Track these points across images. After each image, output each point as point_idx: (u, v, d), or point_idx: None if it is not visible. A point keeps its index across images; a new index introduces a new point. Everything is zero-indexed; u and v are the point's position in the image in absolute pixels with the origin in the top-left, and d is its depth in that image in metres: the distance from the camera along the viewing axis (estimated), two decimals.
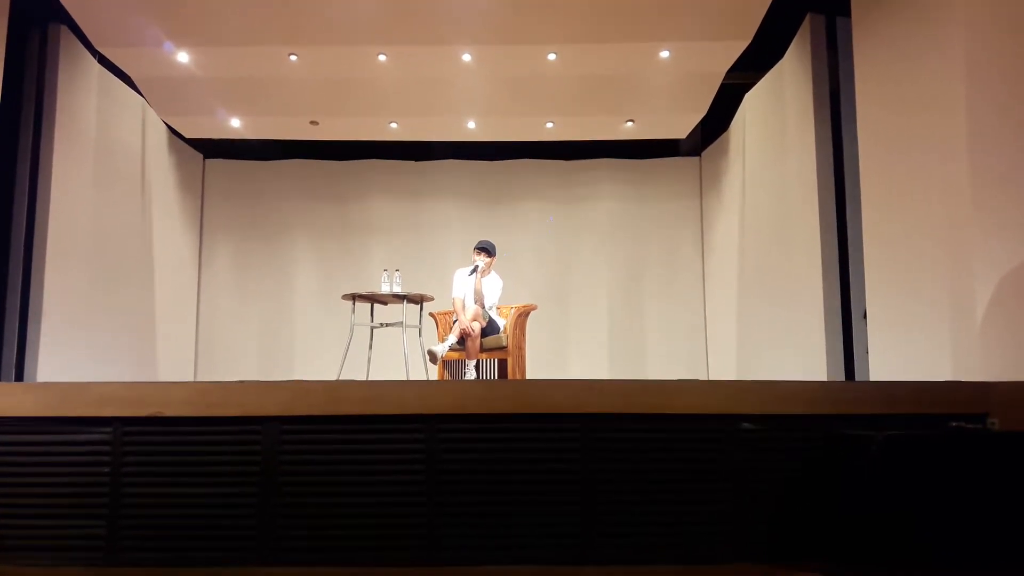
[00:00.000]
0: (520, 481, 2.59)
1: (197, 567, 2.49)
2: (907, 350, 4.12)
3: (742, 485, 2.59)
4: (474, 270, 5.91)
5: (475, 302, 5.80)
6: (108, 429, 2.59)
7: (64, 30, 5.86)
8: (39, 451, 2.58)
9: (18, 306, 5.48)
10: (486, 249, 5.99)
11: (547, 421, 2.62)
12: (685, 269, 8.39)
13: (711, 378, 7.75)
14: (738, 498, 2.58)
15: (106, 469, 2.57)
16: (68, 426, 2.59)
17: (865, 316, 4.66)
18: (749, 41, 5.87)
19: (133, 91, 6.87)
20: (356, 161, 8.59)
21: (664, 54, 6.13)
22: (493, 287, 6.01)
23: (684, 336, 8.26)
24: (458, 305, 5.82)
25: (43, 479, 2.57)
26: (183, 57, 6.18)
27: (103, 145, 6.42)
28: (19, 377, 5.37)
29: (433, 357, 5.56)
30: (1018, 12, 3.33)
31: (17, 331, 5.45)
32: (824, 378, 5.07)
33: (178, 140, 7.91)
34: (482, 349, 5.73)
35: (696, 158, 8.51)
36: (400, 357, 6.08)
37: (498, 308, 6.09)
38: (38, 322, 5.51)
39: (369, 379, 6.04)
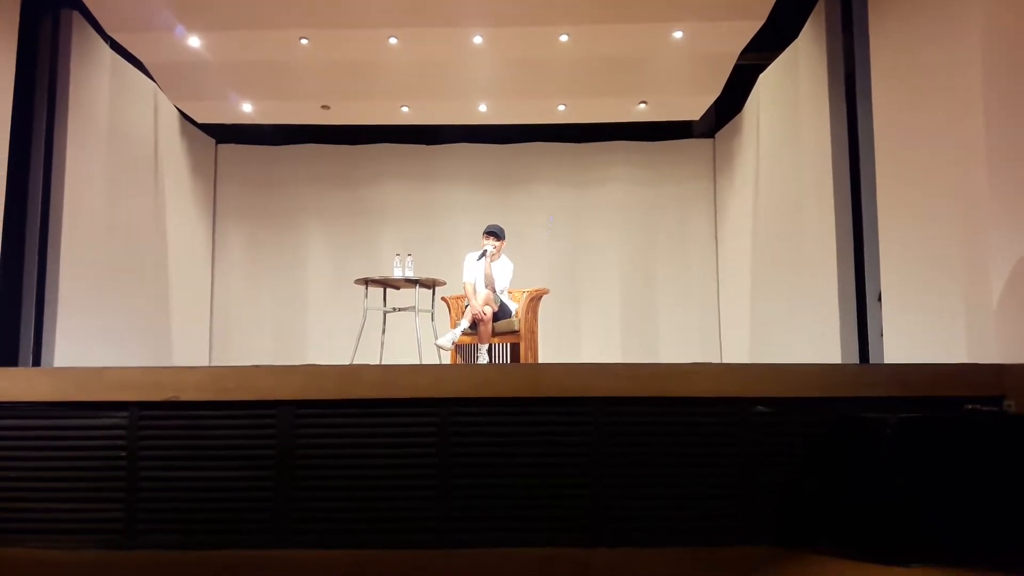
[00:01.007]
0: (532, 464, 2.59)
1: (213, 549, 2.52)
2: (922, 332, 4.09)
3: (754, 468, 2.59)
4: (483, 255, 5.91)
5: (486, 286, 5.80)
6: (124, 413, 2.61)
7: (76, 16, 5.87)
8: (56, 435, 2.61)
9: (34, 292, 5.52)
10: (494, 233, 5.99)
11: (559, 405, 2.62)
12: (698, 251, 8.36)
13: (724, 361, 7.73)
14: (749, 481, 2.58)
15: (123, 453, 2.59)
16: (84, 411, 2.61)
17: (880, 298, 4.63)
18: (763, 21, 5.81)
19: (145, 76, 6.89)
20: (368, 145, 8.59)
21: (677, 34, 6.08)
22: (504, 271, 6.01)
23: (697, 319, 8.24)
24: (469, 290, 5.83)
25: (60, 463, 2.59)
26: (194, 42, 6.18)
27: (116, 130, 6.45)
28: (36, 363, 5.42)
29: (442, 348, 5.63)
30: None
31: (34, 317, 5.50)
32: (838, 360, 5.05)
33: (190, 125, 7.93)
34: (494, 333, 5.74)
35: (710, 140, 8.46)
36: (413, 341, 6.10)
37: (510, 292, 6.09)
38: (54, 308, 5.56)
39: (382, 363, 6.06)
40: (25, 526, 2.56)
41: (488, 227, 6.04)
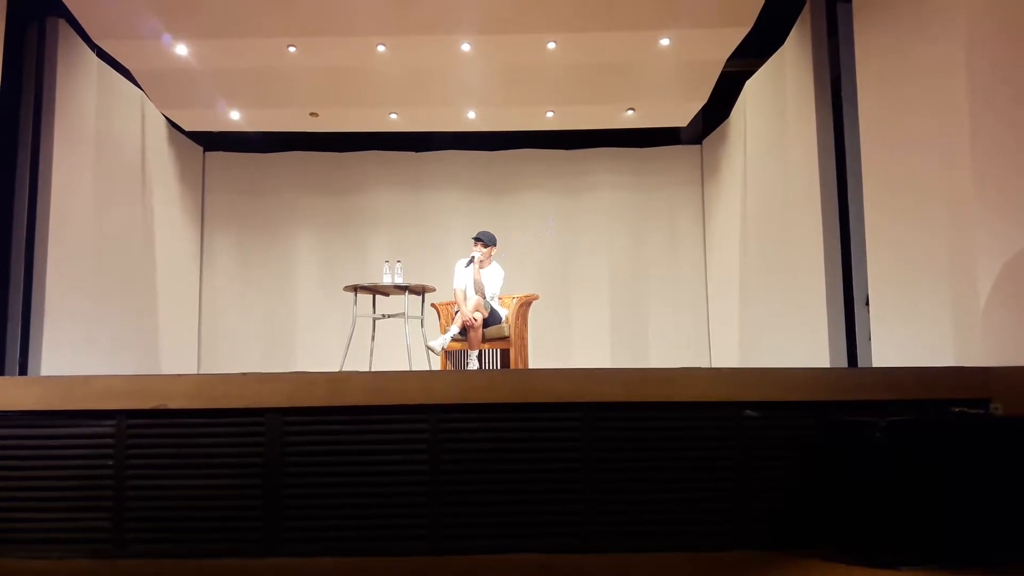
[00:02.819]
0: (523, 470, 2.59)
1: (201, 558, 2.50)
2: (909, 336, 4.11)
3: (745, 472, 2.59)
4: (470, 261, 5.92)
5: (476, 292, 5.80)
6: (112, 422, 2.59)
7: (62, 24, 5.84)
8: (43, 444, 2.59)
9: (20, 301, 5.48)
10: (482, 240, 5.99)
11: (550, 410, 2.62)
12: (687, 257, 8.38)
13: (713, 366, 7.75)
14: (741, 485, 2.58)
15: (110, 462, 2.57)
16: (72, 419, 2.60)
17: (867, 302, 4.66)
18: (750, 28, 5.84)
19: (132, 84, 6.85)
20: (356, 152, 8.57)
21: (664, 42, 6.10)
22: (494, 277, 6.01)
23: (686, 324, 8.26)
24: (459, 296, 5.83)
25: (48, 472, 2.57)
26: (181, 49, 6.16)
27: (103, 139, 6.41)
28: (23, 372, 5.38)
29: (432, 351, 5.62)
30: None
31: (20, 326, 5.45)
32: (827, 364, 5.07)
33: (178, 133, 7.90)
34: (484, 339, 5.74)
35: (697, 146, 8.49)
36: (403, 348, 6.08)
37: (500, 298, 6.09)
38: (41, 316, 5.51)
39: (372, 370, 6.05)
40: (12, 536, 2.54)
41: (477, 233, 6.05)
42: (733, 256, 7.30)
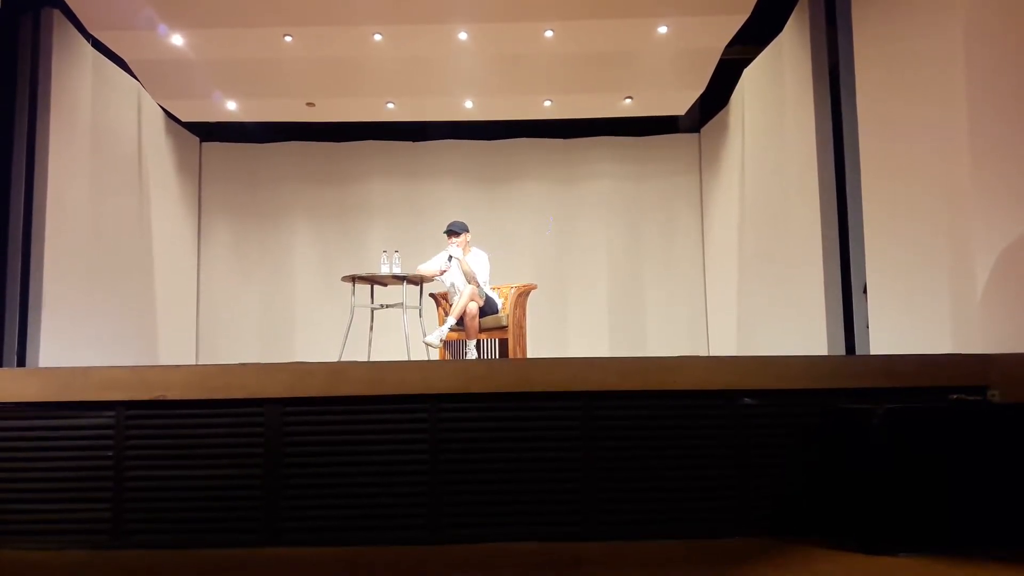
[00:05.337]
0: (523, 459, 2.60)
1: (201, 549, 2.51)
2: (907, 323, 4.12)
3: (743, 460, 2.60)
4: (449, 259, 5.90)
5: (468, 282, 5.78)
6: (111, 413, 2.59)
7: (57, 14, 5.80)
8: (43, 436, 2.59)
9: (18, 293, 5.47)
10: (453, 231, 5.95)
11: (549, 399, 2.63)
12: (685, 246, 8.38)
13: (712, 354, 7.76)
14: (739, 473, 2.59)
15: (109, 453, 2.58)
16: (71, 411, 2.60)
17: (865, 290, 4.66)
18: (748, 15, 5.82)
19: (128, 75, 6.82)
20: (353, 142, 8.55)
21: (662, 29, 6.08)
22: (480, 263, 5.96)
23: (684, 313, 8.26)
24: (429, 271, 5.89)
25: (47, 464, 2.58)
26: (177, 40, 6.14)
27: (99, 130, 6.39)
28: (21, 363, 5.37)
29: (431, 346, 5.63)
30: None
31: (18, 318, 5.45)
32: (825, 352, 5.08)
33: (174, 124, 7.87)
34: (482, 329, 5.73)
35: (695, 135, 8.47)
36: (401, 338, 6.08)
37: (496, 288, 6.07)
38: (39, 308, 5.50)
39: (371, 360, 6.05)
40: (13, 527, 2.54)
41: (447, 227, 5.99)
42: (731, 244, 7.30)
